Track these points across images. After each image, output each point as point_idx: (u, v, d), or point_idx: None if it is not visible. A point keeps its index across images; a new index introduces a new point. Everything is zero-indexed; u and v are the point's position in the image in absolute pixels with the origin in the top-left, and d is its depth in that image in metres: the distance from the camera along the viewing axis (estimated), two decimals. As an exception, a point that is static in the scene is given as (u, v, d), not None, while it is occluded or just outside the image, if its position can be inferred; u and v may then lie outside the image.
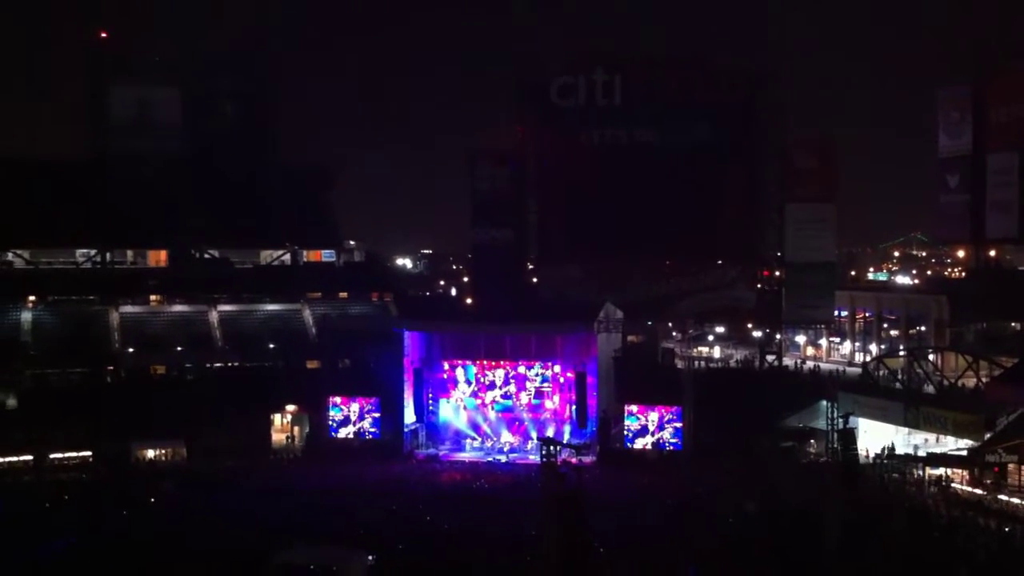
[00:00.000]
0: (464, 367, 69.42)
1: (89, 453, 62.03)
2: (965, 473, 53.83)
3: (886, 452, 58.43)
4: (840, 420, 46.30)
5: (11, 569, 39.26)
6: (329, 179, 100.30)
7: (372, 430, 67.57)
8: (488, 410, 68.82)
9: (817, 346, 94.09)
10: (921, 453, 57.01)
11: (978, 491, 52.00)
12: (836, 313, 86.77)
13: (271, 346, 78.16)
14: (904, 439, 59.18)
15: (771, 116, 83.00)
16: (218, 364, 76.87)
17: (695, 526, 45.03)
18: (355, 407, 67.75)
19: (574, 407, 65.80)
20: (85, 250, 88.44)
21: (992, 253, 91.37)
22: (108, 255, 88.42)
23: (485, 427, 68.71)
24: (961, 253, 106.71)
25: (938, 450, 56.52)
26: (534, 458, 58.56)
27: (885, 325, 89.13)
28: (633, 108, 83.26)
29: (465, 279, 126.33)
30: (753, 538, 42.66)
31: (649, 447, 63.77)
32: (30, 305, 78.62)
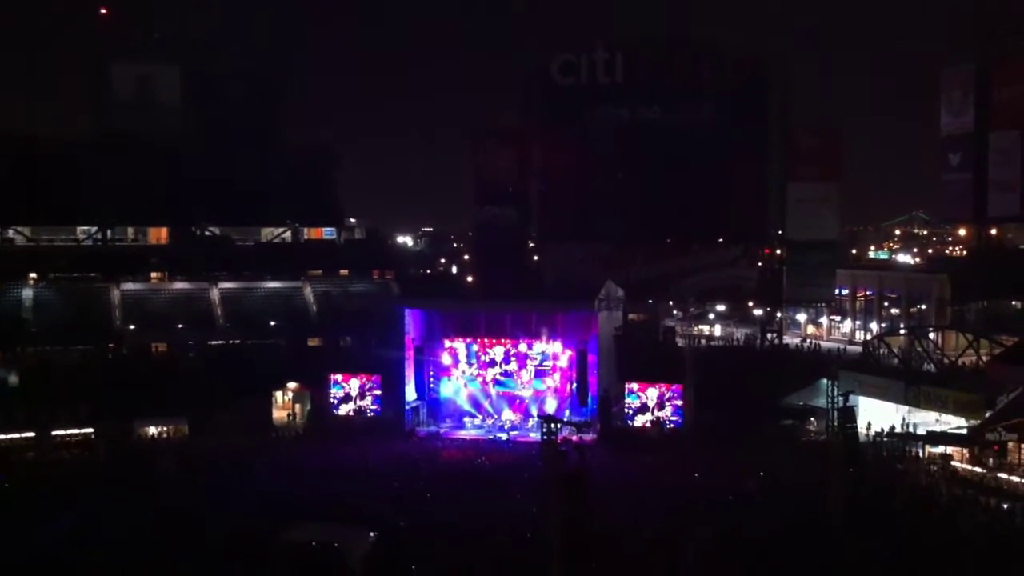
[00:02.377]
0: (465, 345, 69.39)
1: (91, 430, 62.14)
2: (965, 452, 53.95)
3: (886, 431, 58.55)
4: (840, 399, 46.35)
5: (15, 547, 39.39)
6: (333, 157, 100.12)
7: (373, 408, 67.72)
8: (489, 388, 68.87)
9: (818, 325, 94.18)
10: (921, 431, 57.10)
11: (978, 469, 52.13)
12: (837, 292, 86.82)
13: (272, 324, 78.28)
14: (905, 417, 59.27)
15: (776, 96, 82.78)
16: (219, 342, 77.03)
17: (695, 504, 45.14)
18: (356, 384, 67.89)
19: (575, 385, 65.84)
20: (86, 227, 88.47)
21: (993, 232, 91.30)
22: (109, 232, 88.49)
23: (486, 405, 68.75)
24: (962, 232, 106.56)
25: (939, 428, 56.60)
26: (535, 436, 58.73)
27: (886, 304, 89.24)
28: (636, 87, 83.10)
29: (466, 257, 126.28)
30: (754, 516, 42.79)
31: (649, 424, 63.88)
32: (31, 282, 78.79)
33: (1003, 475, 50.78)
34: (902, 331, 71.90)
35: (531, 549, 36.88)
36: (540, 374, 68.14)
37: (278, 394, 70.20)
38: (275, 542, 36.59)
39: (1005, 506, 46.20)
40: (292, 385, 70.08)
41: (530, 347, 68.17)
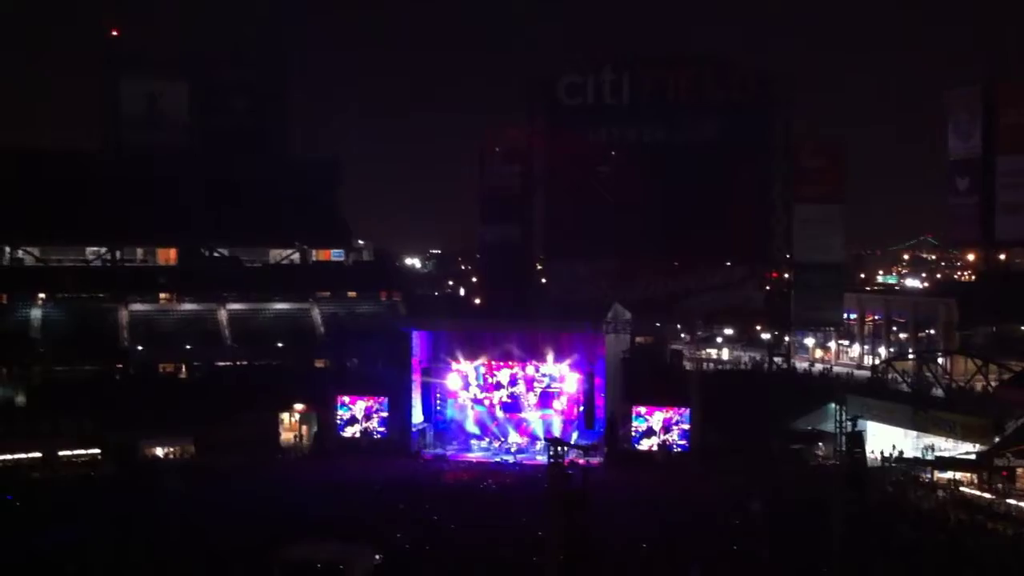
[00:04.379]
0: (472, 367, 69.29)
1: (98, 450, 62.17)
2: (974, 477, 53.69)
3: (894, 455, 58.31)
4: (848, 423, 46.17)
5: (18, 558, 39.39)
6: (339, 172, 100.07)
7: (380, 429, 67.66)
8: (495, 410, 68.80)
9: (826, 349, 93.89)
10: (930, 456, 56.86)
11: (987, 495, 51.87)
12: (845, 316, 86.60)
13: (280, 345, 78.32)
14: (913, 442, 59.03)
15: (782, 115, 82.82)
16: (226, 362, 77.02)
17: (701, 526, 45.00)
18: (362, 406, 67.85)
19: (581, 408, 65.71)
20: (95, 247, 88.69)
21: (1002, 256, 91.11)
22: (118, 253, 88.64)
23: (492, 427, 68.67)
24: (971, 256, 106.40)
25: (948, 454, 56.34)
26: (541, 459, 58.42)
27: (894, 328, 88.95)
28: (642, 107, 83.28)
29: (473, 279, 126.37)
30: (758, 538, 42.64)
31: (655, 448, 63.72)
32: (40, 302, 78.89)
33: (1012, 501, 50.50)
34: (910, 356, 71.69)
35: (534, 568, 36.76)
36: (547, 397, 68.04)
37: (284, 415, 70.14)
38: (278, 560, 36.51)
39: (1010, 532, 45.96)
40: (299, 406, 69.96)
41: (537, 370, 68.10)
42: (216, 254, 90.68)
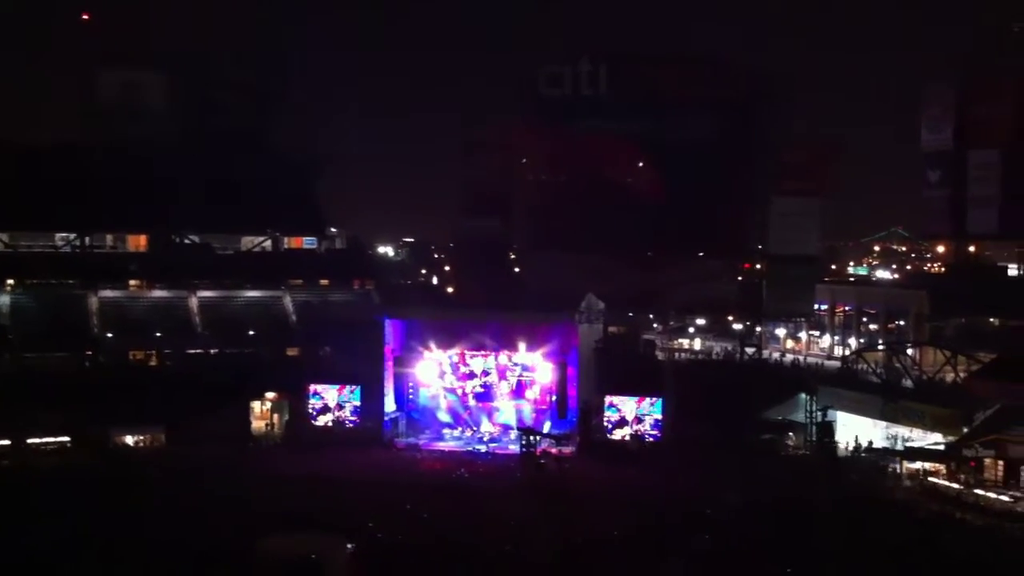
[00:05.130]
0: (446, 356, 69.18)
1: (67, 438, 61.63)
2: (942, 467, 54.13)
3: (863, 446, 58.70)
4: (819, 413, 46.49)
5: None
6: (321, 168, 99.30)
7: (352, 418, 67.42)
8: (468, 399, 68.77)
9: (797, 339, 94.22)
10: (899, 447, 57.27)
11: (954, 485, 52.32)
12: (816, 307, 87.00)
13: (251, 333, 77.87)
14: (882, 432, 59.44)
15: (770, 113, 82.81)
16: (198, 350, 76.48)
17: (678, 517, 45.10)
18: (334, 395, 67.58)
19: (554, 397, 65.82)
20: (65, 234, 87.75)
21: (972, 248, 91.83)
22: (88, 239, 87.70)
23: (465, 416, 68.66)
24: (941, 248, 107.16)
25: (916, 444, 56.76)
26: (514, 448, 58.65)
27: (865, 319, 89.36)
28: (621, 100, 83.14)
29: (447, 268, 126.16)
30: (735, 529, 42.80)
31: (628, 438, 63.83)
32: (9, 288, 78.09)
33: (979, 491, 50.97)
34: (880, 347, 72.13)
35: (513, 560, 36.78)
36: (520, 386, 68.07)
37: (256, 404, 69.75)
38: (252, 553, 36.35)
39: (978, 523, 46.41)
40: (270, 395, 69.63)
41: (510, 359, 68.09)
42: (187, 241, 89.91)
